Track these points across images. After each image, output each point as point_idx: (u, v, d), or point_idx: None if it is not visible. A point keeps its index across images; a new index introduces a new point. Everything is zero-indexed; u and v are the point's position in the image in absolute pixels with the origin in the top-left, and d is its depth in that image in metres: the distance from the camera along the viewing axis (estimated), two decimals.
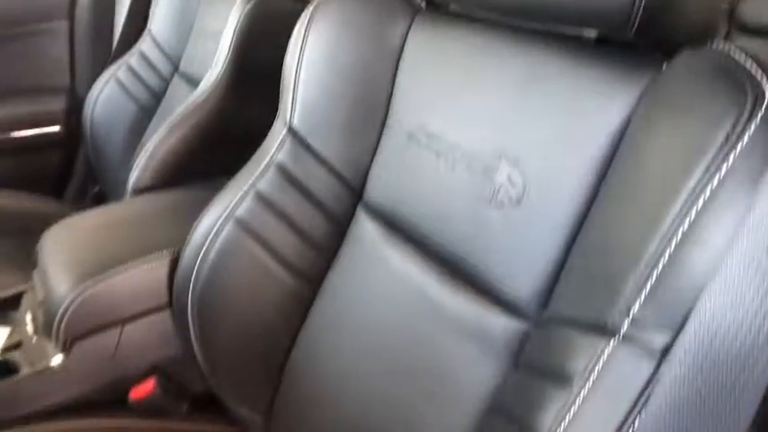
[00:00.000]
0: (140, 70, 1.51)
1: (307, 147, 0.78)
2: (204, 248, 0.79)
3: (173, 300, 0.86)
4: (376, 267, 0.74)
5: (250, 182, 0.79)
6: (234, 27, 1.13)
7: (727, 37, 1.54)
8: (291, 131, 0.79)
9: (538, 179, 0.57)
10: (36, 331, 0.89)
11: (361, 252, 0.77)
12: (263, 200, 0.78)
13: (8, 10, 1.55)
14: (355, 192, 0.78)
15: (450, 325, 0.63)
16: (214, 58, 1.25)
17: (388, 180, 0.75)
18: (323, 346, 0.78)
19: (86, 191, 1.72)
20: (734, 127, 0.41)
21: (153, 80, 1.51)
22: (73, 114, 1.63)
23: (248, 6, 1.13)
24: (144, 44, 1.53)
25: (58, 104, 1.62)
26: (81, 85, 1.63)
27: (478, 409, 0.58)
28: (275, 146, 0.80)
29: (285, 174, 0.78)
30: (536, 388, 0.50)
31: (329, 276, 0.80)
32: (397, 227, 0.72)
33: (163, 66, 1.51)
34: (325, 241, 0.79)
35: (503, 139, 0.61)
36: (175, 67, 1.50)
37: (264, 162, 0.79)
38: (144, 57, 1.52)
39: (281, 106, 0.82)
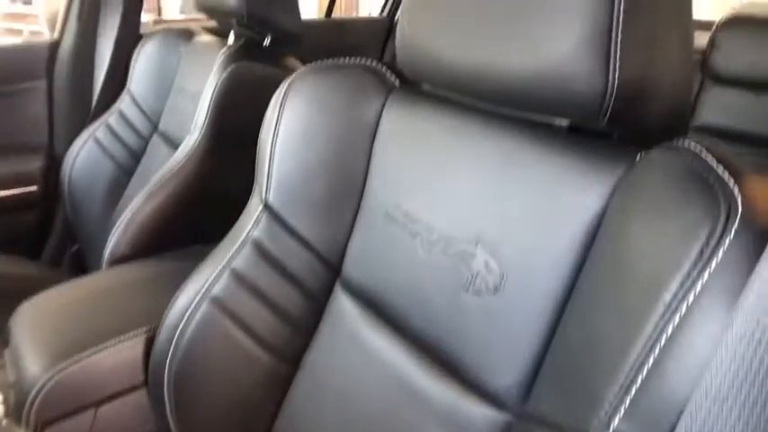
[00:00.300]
0: (119, 129, 1.51)
1: (283, 223, 0.77)
2: (180, 328, 0.78)
3: (148, 379, 0.84)
4: (355, 347, 0.72)
5: (226, 260, 0.78)
6: (212, 92, 1.13)
7: (701, 87, 1.57)
8: (267, 207, 0.78)
9: (515, 268, 0.57)
10: (6, 414, 0.86)
11: (340, 330, 0.76)
12: (238, 278, 0.77)
13: None
14: (333, 268, 0.77)
15: (430, 412, 0.62)
16: (193, 118, 1.25)
17: (366, 258, 0.74)
18: (303, 424, 0.77)
19: (64, 250, 1.70)
20: (708, 240, 0.41)
21: (132, 139, 1.51)
22: (51, 174, 1.62)
23: (226, 72, 1.13)
24: (123, 103, 1.53)
25: (35, 164, 1.61)
26: (59, 144, 1.62)
27: None
28: (251, 222, 0.79)
29: (261, 251, 0.78)
30: None
31: (308, 353, 0.78)
32: (376, 307, 0.71)
33: (142, 124, 1.51)
34: (302, 318, 0.78)
35: (479, 224, 0.61)
36: (155, 126, 1.50)
37: (240, 239, 0.78)
38: (123, 116, 1.52)
39: (256, 182, 0.81)
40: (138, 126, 1.51)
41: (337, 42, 2.04)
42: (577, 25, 0.49)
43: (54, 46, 1.59)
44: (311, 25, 1.97)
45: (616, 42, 0.48)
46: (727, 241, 0.40)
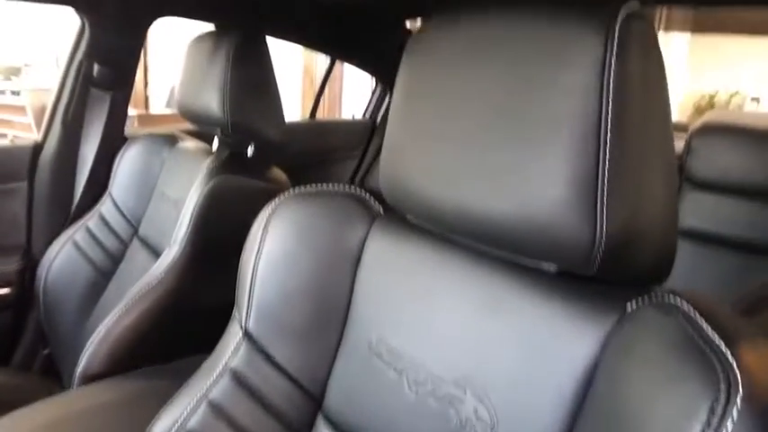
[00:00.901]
0: (99, 233, 1.50)
1: (263, 352, 0.75)
2: None
3: None
4: None
5: (203, 390, 0.75)
6: (194, 205, 1.13)
7: (680, 191, 1.60)
8: (247, 335, 0.76)
9: (506, 419, 0.55)
10: None
11: None
12: (216, 410, 0.74)
13: None
14: (314, 400, 0.75)
15: None
16: (173, 225, 1.24)
17: (349, 391, 0.71)
18: None
19: (36, 354, 1.64)
20: (709, 420, 0.39)
21: (111, 243, 1.49)
22: (26, 276, 1.58)
23: (209, 186, 1.13)
24: (104, 206, 1.52)
25: (11, 266, 1.57)
26: (37, 246, 1.59)
27: None
28: (230, 351, 0.76)
29: (240, 381, 0.75)
30: None
31: None
32: None
33: (122, 228, 1.50)
34: None
35: (466, 366, 0.59)
36: (135, 230, 1.49)
37: (218, 369, 0.76)
38: (103, 219, 1.51)
39: (236, 305, 0.79)
40: (117, 230, 1.50)
41: (320, 143, 2.07)
42: (564, 173, 0.49)
43: (37, 148, 1.59)
44: (295, 128, 2.00)
45: (603, 192, 0.48)
46: (730, 424, 0.38)
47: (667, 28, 4.66)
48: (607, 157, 0.47)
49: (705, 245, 1.47)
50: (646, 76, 0.49)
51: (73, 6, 1.45)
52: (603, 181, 0.47)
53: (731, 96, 4.71)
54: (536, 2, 0.53)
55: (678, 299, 0.50)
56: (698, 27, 4.68)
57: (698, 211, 1.49)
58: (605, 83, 0.47)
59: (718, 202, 1.47)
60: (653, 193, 0.51)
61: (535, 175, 0.50)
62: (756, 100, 4.67)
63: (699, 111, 4.63)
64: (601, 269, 0.50)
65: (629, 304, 0.51)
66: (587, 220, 0.48)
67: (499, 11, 0.56)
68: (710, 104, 4.72)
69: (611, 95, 0.47)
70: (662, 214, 0.52)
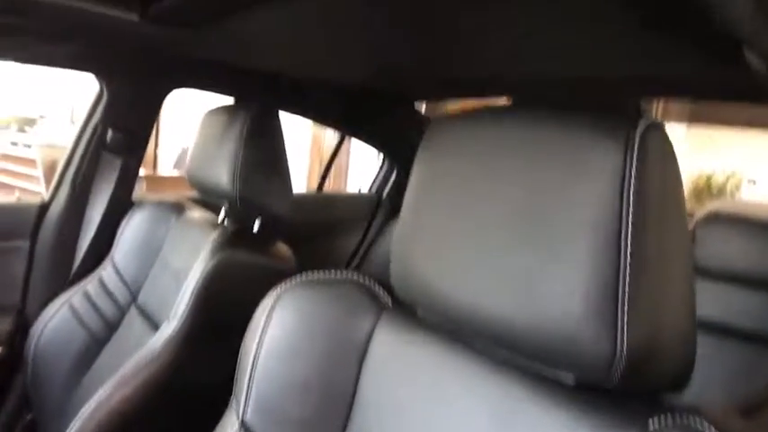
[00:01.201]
0: (97, 298, 1.47)
1: None
2: None
3: None
4: None
5: None
6: (198, 279, 1.11)
7: None
8: (244, 426, 0.73)
9: None
10: None
11: None
12: None
13: None
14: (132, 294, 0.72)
15: None
16: (173, 296, 1.22)
17: None
18: None
19: (19, 418, 1.58)
20: None
21: (109, 309, 1.47)
22: (17, 337, 1.55)
23: (214, 260, 1.12)
24: (104, 271, 1.51)
25: (2, 326, 1.54)
26: (32, 307, 1.57)
27: None
28: None
29: None
30: None
31: None
32: None
33: (121, 295, 1.48)
34: None
35: None
36: (134, 297, 1.47)
37: None
38: (103, 284, 1.49)
39: (234, 395, 0.76)
40: (117, 296, 1.48)
41: (326, 216, 2.07)
42: (583, 282, 0.47)
43: (43, 208, 1.58)
44: (301, 200, 2.01)
45: (624, 303, 0.46)
46: None
47: (664, 117, 4.75)
48: (628, 269, 0.46)
49: (713, 334, 1.44)
50: (664, 188, 0.49)
51: (93, 72, 1.48)
52: (624, 292, 0.46)
53: (728, 177, 4.75)
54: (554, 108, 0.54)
55: (704, 422, 0.48)
56: (694, 118, 4.77)
57: (712, 301, 1.46)
58: (625, 194, 0.47)
59: (725, 292, 1.45)
60: (673, 303, 0.50)
61: (554, 282, 0.49)
62: (753, 182, 4.71)
63: (697, 191, 4.66)
64: (621, 382, 0.48)
65: (650, 422, 0.49)
66: (607, 333, 0.47)
67: (518, 112, 0.57)
68: (708, 185, 4.75)
69: (630, 207, 0.46)
70: (683, 324, 0.51)
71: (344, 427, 0.71)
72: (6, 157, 4.65)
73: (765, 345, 1.39)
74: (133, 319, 1.43)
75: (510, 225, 0.53)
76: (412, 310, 0.71)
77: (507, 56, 1.04)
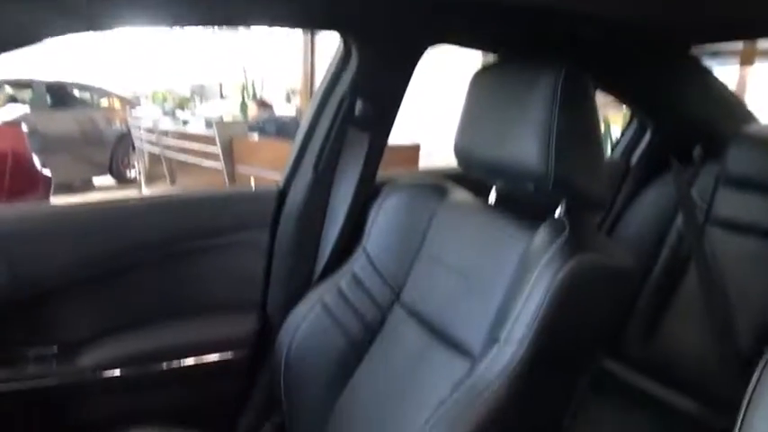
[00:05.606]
0: (352, 296, 1.26)
1: None
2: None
3: None
4: None
5: None
6: (542, 291, 0.86)
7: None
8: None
9: None
10: None
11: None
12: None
13: (210, 219, 1.36)
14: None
15: None
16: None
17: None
18: None
19: (263, 422, 1.43)
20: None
21: (367, 309, 1.26)
22: (260, 339, 1.39)
23: (569, 265, 0.85)
24: (357, 264, 1.29)
25: (243, 327, 1.38)
26: (273, 304, 1.40)
27: None
28: None
29: None
30: None
31: None
32: None
33: (379, 292, 1.26)
34: None
35: None
36: (396, 295, 1.25)
37: None
38: (357, 279, 1.28)
39: None
40: (374, 293, 1.26)
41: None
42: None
43: (281, 194, 1.40)
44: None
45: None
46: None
47: None
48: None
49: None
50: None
51: (341, 31, 1.26)
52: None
53: None
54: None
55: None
56: None
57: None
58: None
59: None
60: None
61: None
62: None
63: None
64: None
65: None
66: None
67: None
68: None
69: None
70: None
71: None
72: (184, 136, 4.68)
73: None
74: (399, 322, 1.22)
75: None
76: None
77: None
